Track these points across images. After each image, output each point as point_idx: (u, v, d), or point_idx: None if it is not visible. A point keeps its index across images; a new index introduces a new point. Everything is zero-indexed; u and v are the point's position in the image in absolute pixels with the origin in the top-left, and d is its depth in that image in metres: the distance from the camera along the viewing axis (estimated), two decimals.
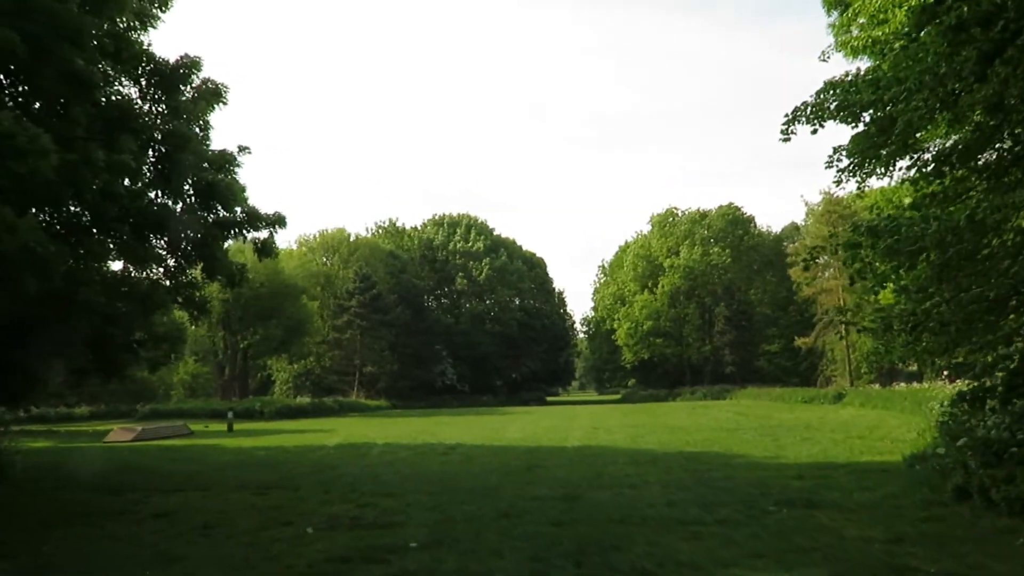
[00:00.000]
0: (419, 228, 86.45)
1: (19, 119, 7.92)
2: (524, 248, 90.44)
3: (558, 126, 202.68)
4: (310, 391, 64.45)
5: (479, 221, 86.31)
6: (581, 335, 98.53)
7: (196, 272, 13.71)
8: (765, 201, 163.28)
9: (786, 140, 9.37)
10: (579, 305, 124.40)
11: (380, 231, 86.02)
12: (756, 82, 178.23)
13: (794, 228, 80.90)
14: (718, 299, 73.73)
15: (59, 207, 10.53)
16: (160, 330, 14.25)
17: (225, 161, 12.83)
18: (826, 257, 59.77)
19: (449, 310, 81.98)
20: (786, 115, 9.39)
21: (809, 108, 9.42)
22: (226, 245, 13.81)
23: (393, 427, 33.06)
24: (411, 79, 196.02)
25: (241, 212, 12.87)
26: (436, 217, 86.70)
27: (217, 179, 12.39)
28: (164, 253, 12.96)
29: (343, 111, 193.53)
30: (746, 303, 75.24)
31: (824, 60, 11.42)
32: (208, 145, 12.77)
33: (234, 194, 12.47)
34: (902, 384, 47.64)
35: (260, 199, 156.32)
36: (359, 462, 17.18)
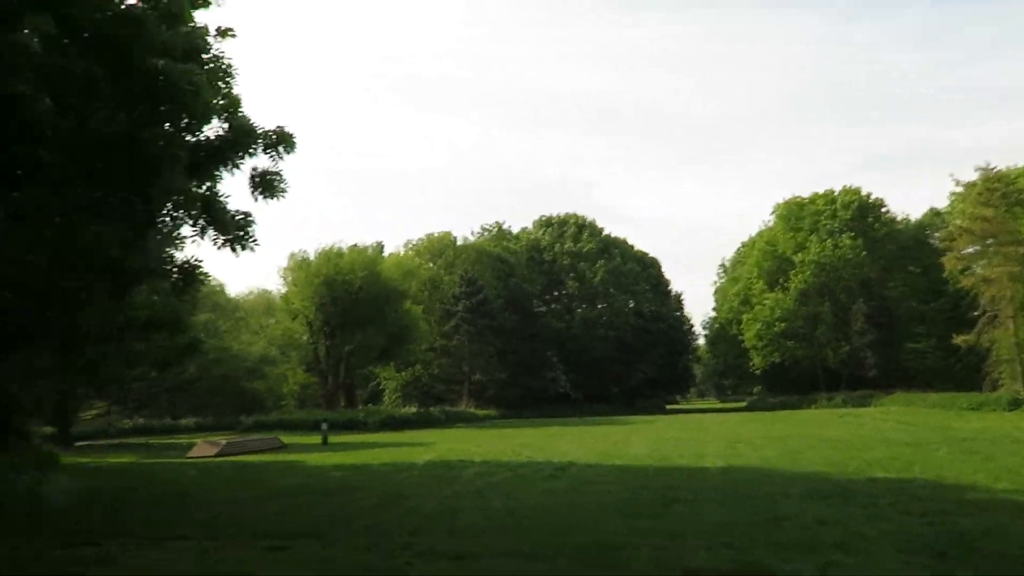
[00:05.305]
0: (527, 230, 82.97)
1: None
2: (636, 248, 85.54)
3: (662, 129, 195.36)
4: (418, 400, 62.05)
5: (588, 221, 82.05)
6: (701, 339, 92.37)
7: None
8: (889, 194, 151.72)
9: None
10: (696, 308, 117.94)
11: (487, 234, 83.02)
12: (861, 80, 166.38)
13: (935, 214, 72.66)
14: (854, 295, 66.44)
15: None
16: (143, 314, 10.79)
17: (192, 48, 9.18)
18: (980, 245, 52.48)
19: (560, 315, 78.00)
20: None
21: None
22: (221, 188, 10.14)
23: (498, 440, 29.38)
24: (514, 85, 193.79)
25: (223, 125, 9.28)
26: (543, 218, 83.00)
27: (170, 67, 8.59)
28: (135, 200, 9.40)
29: (449, 112, 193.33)
30: (886, 299, 67.60)
31: None
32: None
33: (197, 90, 8.62)
34: None
35: (363, 204, 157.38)
36: (442, 490, 13.44)
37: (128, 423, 45.13)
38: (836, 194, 71.23)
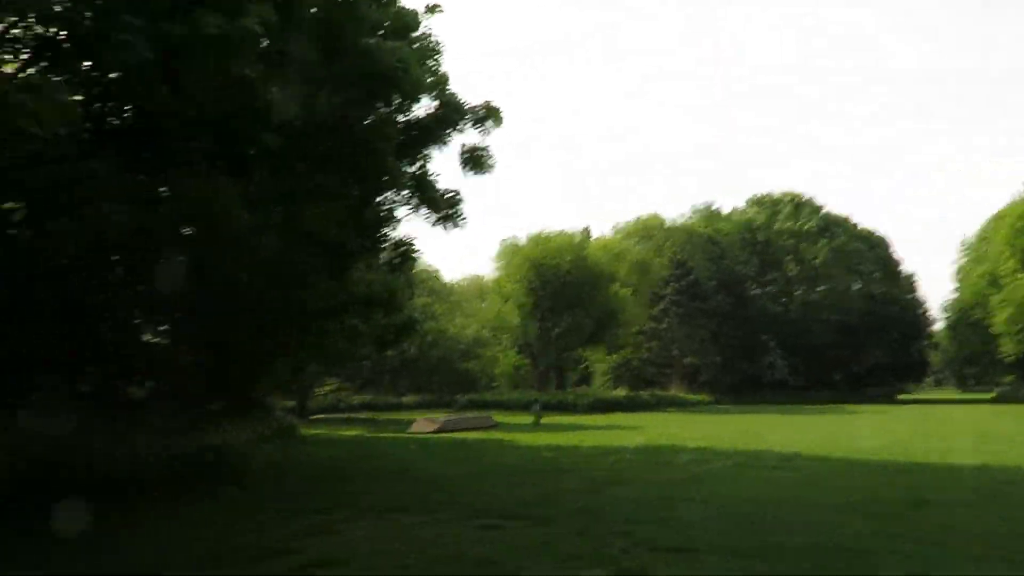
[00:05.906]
0: (739, 210, 79.49)
1: None
2: (861, 227, 79.06)
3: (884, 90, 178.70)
4: (628, 383, 61.74)
5: (806, 199, 76.97)
6: (939, 324, 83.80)
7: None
8: None
9: None
10: (933, 290, 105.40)
11: (696, 216, 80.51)
12: None
13: None
14: None
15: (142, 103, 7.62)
16: (362, 291, 11.03)
17: (401, 27, 9.14)
18: None
19: (776, 298, 74.04)
20: None
21: None
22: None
23: (710, 426, 28.26)
24: (721, 65, 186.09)
25: (433, 103, 9.21)
26: (756, 197, 79.04)
27: (380, 46, 8.58)
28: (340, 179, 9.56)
29: (655, 93, 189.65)
30: None
31: None
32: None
33: (406, 68, 8.58)
34: None
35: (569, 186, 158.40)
36: (654, 476, 12.91)
37: (356, 399, 48.64)
38: None
